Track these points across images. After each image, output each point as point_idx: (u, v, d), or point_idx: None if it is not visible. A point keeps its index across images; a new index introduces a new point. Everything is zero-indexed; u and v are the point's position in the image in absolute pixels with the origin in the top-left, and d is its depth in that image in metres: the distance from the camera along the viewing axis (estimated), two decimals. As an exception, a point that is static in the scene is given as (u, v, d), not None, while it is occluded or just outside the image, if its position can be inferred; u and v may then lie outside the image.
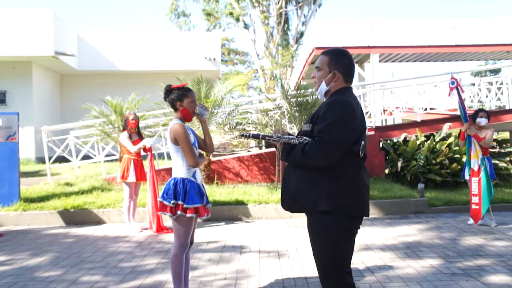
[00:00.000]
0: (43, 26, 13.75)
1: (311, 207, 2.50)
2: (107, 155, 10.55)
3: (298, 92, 9.30)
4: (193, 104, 3.53)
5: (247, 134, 2.74)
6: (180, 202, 3.38)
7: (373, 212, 7.60)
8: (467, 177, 6.80)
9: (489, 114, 6.74)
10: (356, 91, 11.35)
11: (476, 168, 6.52)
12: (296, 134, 2.67)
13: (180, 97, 3.49)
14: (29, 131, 13.92)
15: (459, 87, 6.93)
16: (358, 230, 2.59)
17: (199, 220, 3.60)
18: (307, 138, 2.51)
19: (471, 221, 6.65)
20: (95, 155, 10.70)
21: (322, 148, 2.40)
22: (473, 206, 6.60)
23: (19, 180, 8.04)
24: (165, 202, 3.41)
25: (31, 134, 13.97)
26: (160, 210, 3.51)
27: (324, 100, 2.66)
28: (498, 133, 13.74)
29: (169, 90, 3.53)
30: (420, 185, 8.20)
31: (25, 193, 8.24)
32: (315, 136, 2.46)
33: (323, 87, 2.64)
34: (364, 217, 2.59)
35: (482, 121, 6.56)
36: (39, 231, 6.83)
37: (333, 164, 2.44)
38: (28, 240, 6.21)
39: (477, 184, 6.50)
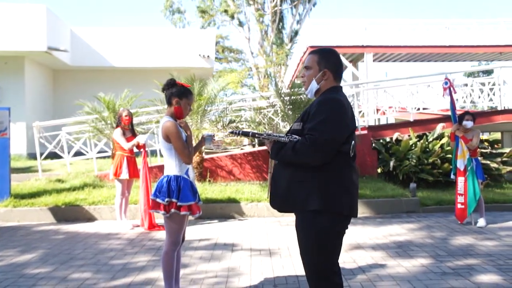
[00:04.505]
0: (36, 21, 13.61)
1: (300, 206, 2.50)
2: (99, 152, 10.49)
3: (292, 90, 9.30)
4: (188, 107, 3.52)
5: (237, 132, 2.77)
6: (174, 200, 3.36)
7: (365, 211, 7.62)
8: (453, 177, 6.85)
9: (475, 117, 6.76)
10: (349, 90, 11.39)
11: (462, 168, 6.56)
12: (286, 133, 2.67)
13: (180, 94, 3.45)
14: (21, 127, 13.79)
15: (451, 88, 6.97)
16: (350, 229, 2.61)
17: (191, 217, 3.58)
18: (297, 136, 2.50)
19: (481, 223, 6.53)
20: (87, 152, 10.63)
21: (313, 146, 2.39)
22: (459, 206, 6.64)
23: (10, 176, 7.98)
24: (158, 200, 3.39)
25: (22, 129, 13.84)
26: (153, 208, 3.47)
27: (315, 99, 2.66)
28: (490, 133, 13.83)
29: (171, 84, 3.49)
30: (412, 185, 8.21)
31: (16, 189, 8.18)
32: (306, 134, 2.45)
33: (314, 85, 2.64)
34: (356, 217, 2.60)
35: (468, 124, 6.57)
36: (30, 227, 6.78)
37: (323, 162, 2.43)
38: (18, 236, 6.16)
39: (463, 184, 6.54)
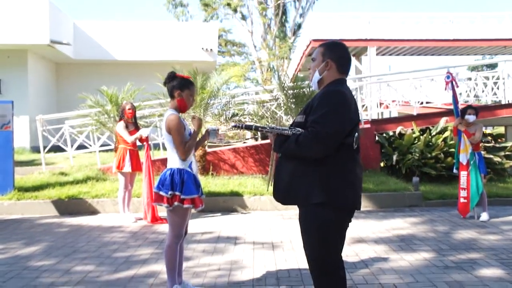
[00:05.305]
0: (38, 14, 13.56)
1: (303, 199, 2.49)
2: (102, 145, 10.49)
3: (295, 84, 9.29)
4: (191, 98, 3.51)
5: (240, 125, 2.76)
6: (177, 193, 3.36)
7: (368, 205, 7.61)
8: (455, 171, 6.83)
9: (478, 111, 6.71)
10: (352, 84, 11.35)
11: (464, 162, 6.53)
12: (289, 126, 2.65)
13: (181, 86, 3.45)
14: (24, 120, 13.79)
15: (454, 82, 6.93)
16: (352, 223, 2.58)
17: (194, 211, 3.59)
18: (300, 129, 2.49)
19: (483, 217, 6.53)
20: (90, 145, 10.62)
21: (315, 139, 2.37)
22: (461, 200, 6.62)
23: (14, 169, 8.00)
24: (162, 193, 3.39)
25: (26, 123, 13.84)
26: (156, 201, 3.48)
27: (318, 91, 2.65)
28: (493, 127, 13.77)
29: (172, 77, 3.49)
30: (415, 179, 8.20)
31: (20, 182, 8.19)
32: (308, 127, 2.43)
33: (316, 75, 2.63)
34: (359, 210, 2.59)
35: (470, 118, 6.53)
36: (33, 220, 6.81)
37: (327, 155, 2.42)
38: (22, 229, 6.19)
39: (465, 178, 6.52)
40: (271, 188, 8.27)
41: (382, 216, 6.92)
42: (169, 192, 3.36)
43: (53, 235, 5.76)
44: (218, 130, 3.61)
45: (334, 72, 2.59)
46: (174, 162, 3.44)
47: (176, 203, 3.37)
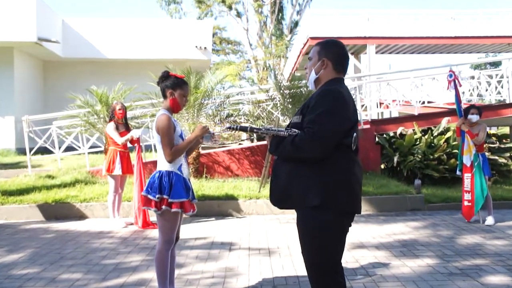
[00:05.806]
0: (25, 11, 13.37)
1: (300, 202, 2.45)
2: (91, 147, 10.32)
3: (292, 83, 9.27)
4: (184, 98, 3.49)
5: (235, 126, 2.74)
6: (165, 196, 3.33)
7: (368, 209, 7.53)
8: (459, 173, 6.76)
9: (481, 111, 6.63)
10: (351, 83, 11.28)
11: (468, 164, 6.43)
12: (286, 126, 2.63)
13: (174, 86, 3.44)
14: (10, 121, 13.52)
15: (456, 81, 6.87)
16: (352, 227, 2.56)
17: (186, 215, 3.45)
18: (296, 130, 2.45)
19: (489, 221, 6.40)
20: (79, 147, 10.46)
21: (312, 139, 2.34)
22: (465, 203, 6.52)
23: (-2, 172, 7.82)
24: (150, 196, 3.36)
25: (11, 123, 13.56)
26: (144, 205, 3.46)
27: (315, 91, 2.61)
28: (498, 128, 13.70)
29: (165, 76, 3.48)
30: (417, 181, 8.13)
31: (4, 186, 8.06)
32: (305, 127, 2.40)
33: (312, 75, 2.62)
34: (358, 214, 2.56)
35: (473, 118, 6.45)
36: (18, 225, 6.71)
37: (324, 156, 2.39)
38: (5, 235, 6.08)
39: (469, 180, 6.42)
40: (263, 190, 8.25)
41: (383, 220, 6.85)
42: (157, 196, 3.32)
43: (39, 241, 5.67)
44: (213, 133, 3.57)
45: (330, 71, 2.58)
46: (164, 164, 3.41)
47: (164, 207, 3.33)
